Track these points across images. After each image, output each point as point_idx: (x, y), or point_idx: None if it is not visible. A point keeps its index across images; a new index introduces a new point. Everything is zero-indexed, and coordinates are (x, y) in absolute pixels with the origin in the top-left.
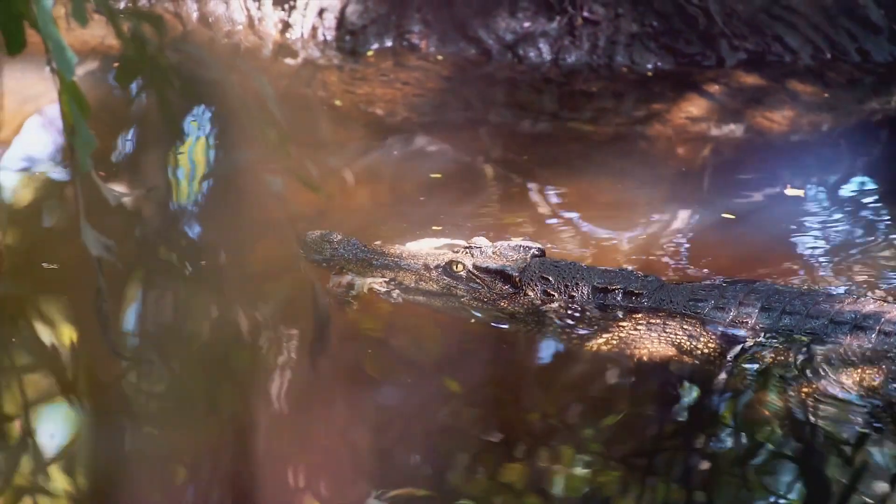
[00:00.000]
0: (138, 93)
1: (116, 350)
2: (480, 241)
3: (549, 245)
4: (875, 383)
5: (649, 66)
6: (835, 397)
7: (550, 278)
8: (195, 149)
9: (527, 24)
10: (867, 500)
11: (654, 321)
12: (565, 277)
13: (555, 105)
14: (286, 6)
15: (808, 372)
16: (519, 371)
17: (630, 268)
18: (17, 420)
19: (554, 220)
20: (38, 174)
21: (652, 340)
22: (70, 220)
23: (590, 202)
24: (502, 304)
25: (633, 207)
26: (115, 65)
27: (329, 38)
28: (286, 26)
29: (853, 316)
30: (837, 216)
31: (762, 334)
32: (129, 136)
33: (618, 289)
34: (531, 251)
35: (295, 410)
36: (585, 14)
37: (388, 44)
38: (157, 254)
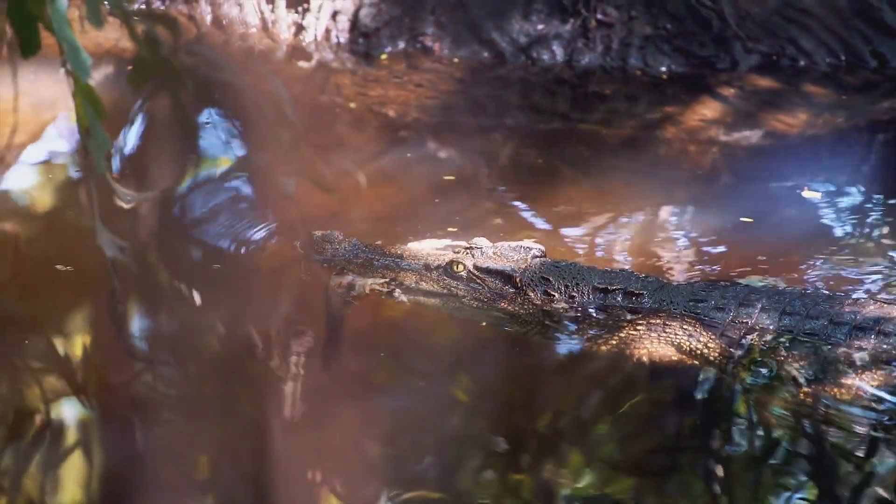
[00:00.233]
0: (152, 95)
1: (131, 351)
2: (481, 241)
3: (561, 247)
4: (875, 384)
5: (663, 68)
6: (839, 398)
7: (551, 279)
8: (209, 151)
9: (540, 27)
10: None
11: (654, 321)
12: (566, 278)
13: (568, 107)
14: (300, 9)
15: (811, 373)
16: (530, 374)
17: (629, 268)
18: (32, 419)
19: (568, 222)
20: (52, 176)
21: (652, 340)
22: (85, 221)
23: (604, 204)
24: (503, 304)
25: (647, 210)
26: (129, 67)
27: (342, 40)
28: (300, 29)
29: (853, 317)
30: (855, 218)
31: (762, 334)
32: (143, 138)
33: (618, 289)
34: (532, 252)
35: (308, 413)
36: (599, 16)
37: (402, 46)
38: (171, 255)
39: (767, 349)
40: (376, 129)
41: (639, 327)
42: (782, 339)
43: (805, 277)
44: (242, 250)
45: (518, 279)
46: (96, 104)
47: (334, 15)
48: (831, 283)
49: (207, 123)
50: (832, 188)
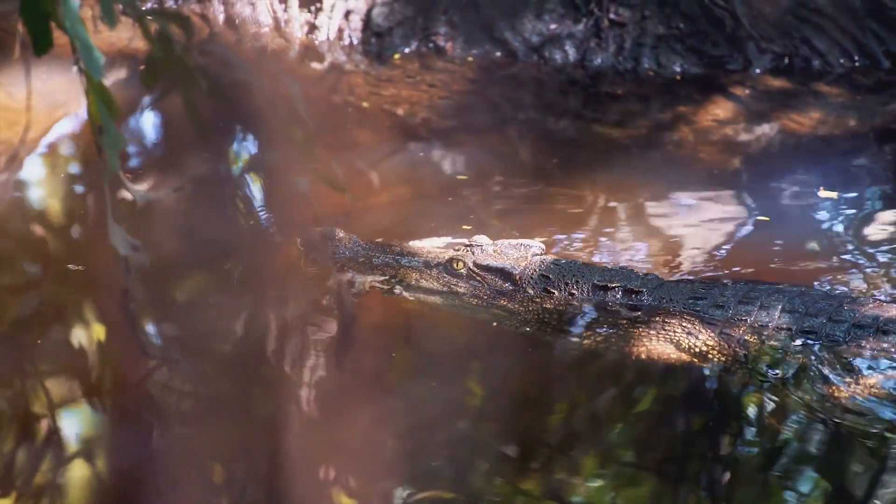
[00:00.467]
0: (165, 93)
1: (145, 349)
2: (481, 239)
3: (573, 246)
4: (874, 386)
5: (676, 68)
6: (837, 396)
7: (550, 276)
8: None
9: (553, 26)
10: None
11: (653, 319)
12: (565, 275)
13: (581, 107)
14: (312, 8)
15: (812, 371)
16: (542, 373)
17: (630, 266)
18: (44, 419)
19: (581, 222)
20: (65, 174)
21: (650, 338)
22: (97, 220)
23: (617, 204)
24: (502, 301)
25: (661, 209)
26: (142, 67)
27: (355, 40)
28: (312, 28)
29: (852, 315)
30: (872, 218)
31: (762, 332)
32: (155, 136)
33: (617, 286)
34: (532, 249)
35: (321, 412)
36: (611, 16)
37: (414, 46)
38: (182, 254)
39: (770, 348)
40: (389, 128)
41: (638, 325)
42: (782, 338)
43: (819, 277)
44: (254, 249)
45: (518, 276)
46: (109, 103)
47: (347, 14)
48: (842, 279)
49: (220, 122)
50: (848, 188)
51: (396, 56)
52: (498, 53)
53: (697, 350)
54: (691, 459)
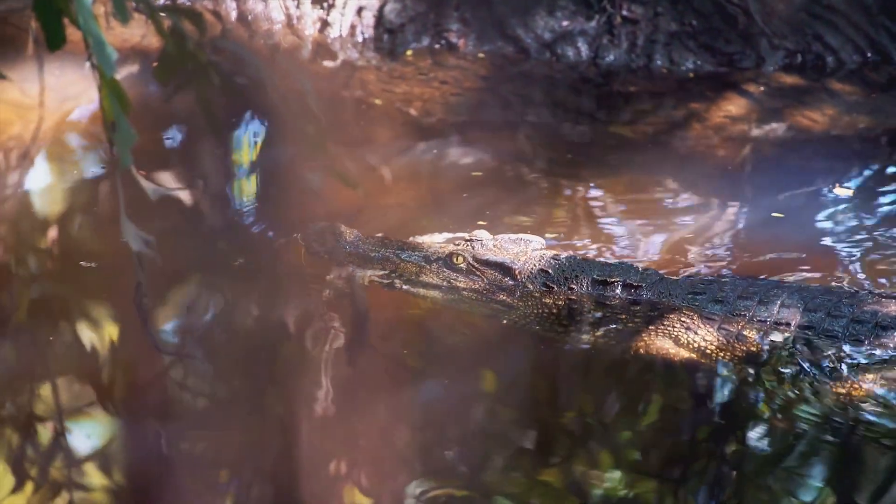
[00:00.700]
0: (178, 89)
1: (157, 346)
2: (482, 233)
3: (585, 242)
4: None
5: (688, 64)
6: (837, 393)
7: (550, 271)
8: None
9: (565, 23)
10: None
11: (652, 314)
12: (565, 270)
13: (593, 104)
14: (325, 5)
15: (813, 369)
16: (555, 368)
17: (629, 262)
18: (52, 421)
19: (595, 219)
20: (77, 170)
21: (649, 333)
22: (109, 216)
23: (630, 200)
24: (502, 296)
25: (676, 206)
26: (155, 63)
27: (367, 36)
28: (325, 25)
29: (850, 310)
30: (886, 214)
31: (761, 328)
32: (168, 132)
33: (617, 281)
34: (532, 244)
35: (334, 408)
36: (624, 13)
37: (426, 42)
38: (194, 250)
39: (770, 346)
40: (401, 125)
41: (637, 320)
42: (782, 334)
43: (834, 273)
44: (267, 245)
45: (517, 271)
46: (122, 98)
47: (359, 11)
48: (854, 277)
49: (233, 118)
50: (862, 185)
51: (409, 53)
52: (510, 50)
53: (696, 345)
54: (698, 458)
